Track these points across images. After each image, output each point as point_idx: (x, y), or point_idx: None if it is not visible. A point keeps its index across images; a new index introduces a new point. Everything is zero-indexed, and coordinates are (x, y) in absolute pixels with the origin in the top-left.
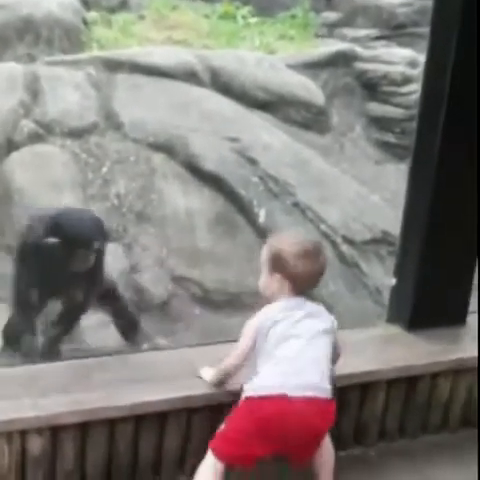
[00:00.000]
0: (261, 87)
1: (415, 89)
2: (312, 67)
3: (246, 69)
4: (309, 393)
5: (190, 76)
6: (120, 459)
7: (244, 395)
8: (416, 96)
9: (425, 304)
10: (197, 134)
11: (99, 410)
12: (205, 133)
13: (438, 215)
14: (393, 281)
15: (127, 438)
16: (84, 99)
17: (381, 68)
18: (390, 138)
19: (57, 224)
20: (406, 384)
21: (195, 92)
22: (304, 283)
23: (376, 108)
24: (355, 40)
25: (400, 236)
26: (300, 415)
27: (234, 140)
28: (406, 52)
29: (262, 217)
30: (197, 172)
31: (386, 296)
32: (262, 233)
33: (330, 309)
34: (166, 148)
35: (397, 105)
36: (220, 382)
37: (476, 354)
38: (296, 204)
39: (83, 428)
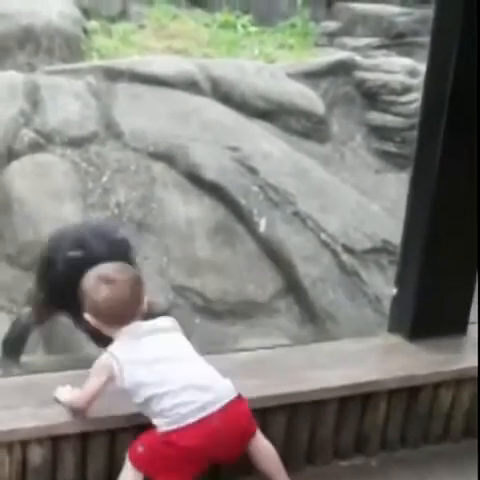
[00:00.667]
0: (261, 96)
1: (415, 98)
2: (312, 76)
3: (246, 78)
4: (218, 404)
5: (190, 85)
6: (121, 469)
7: (159, 429)
8: (416, 105)
9: (426, 314)
10: (197, 143)
11: (100, 420)
12: (205, 142)
13: (439, 224)
14: (394, 290)
15: (127, 448)
16: (84, 108)
17: (381, 77)
18: (390, 147)
19: (76, 239)
20: (407, 394)
21: (195, 101)
22: (111, 314)
23: (376, 117)
24: (355, 49)
25: (401, 245)
26: (222, 427)
27: (234, 149)
28: (406, 61)
29: (262, 226)
30: (197, 181)
31: (386, 305)
32: (262, 242)
33: (330, 318)
34: (166, 157)
35: (397, 114)
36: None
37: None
38: (296, 213)
39: (84, 438)
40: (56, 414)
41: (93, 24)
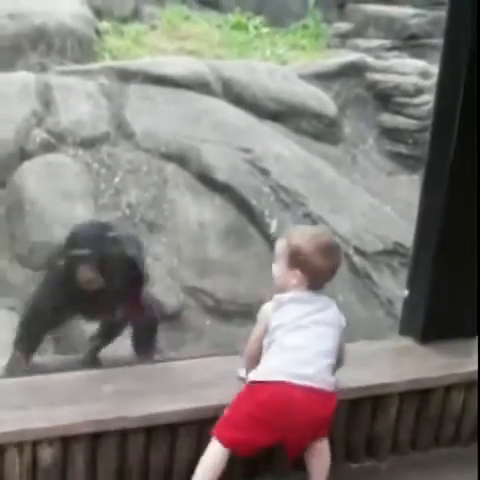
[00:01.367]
0: (273, 97)
1: (427, 100)
2: (324, 78)
3: (258, 79)
4: (312, 383)
5: (202, 86)
6: (131, 470)
7: (248, 380)
8: (428, 107)
9: (438, 316)
10: (209, 144)
11: (110, 421)
12: (217, 143)
13: (451, 227)
14: (406, 293)
15: (138, 449)
16: (96, 109)
17: (393, 79)
18: (402, 149)
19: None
20: (418, 397)
21: (207, 102)
22: (322, 278)
23: (388, 119)
24: (367, 51)
25: (413, 248)
26: (301, 401)
27: (246, 150)
28: (418, 63)
29: (273, 227)
30: (209, 182)
31: (398, 308)
32: (273, 243)
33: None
34: (178, 158)
35: (409, 116)
36: (248, 369)
37: None
38: (308, 215)
39: (94, 439)
40: (66, 415)
41: (105, 25)
